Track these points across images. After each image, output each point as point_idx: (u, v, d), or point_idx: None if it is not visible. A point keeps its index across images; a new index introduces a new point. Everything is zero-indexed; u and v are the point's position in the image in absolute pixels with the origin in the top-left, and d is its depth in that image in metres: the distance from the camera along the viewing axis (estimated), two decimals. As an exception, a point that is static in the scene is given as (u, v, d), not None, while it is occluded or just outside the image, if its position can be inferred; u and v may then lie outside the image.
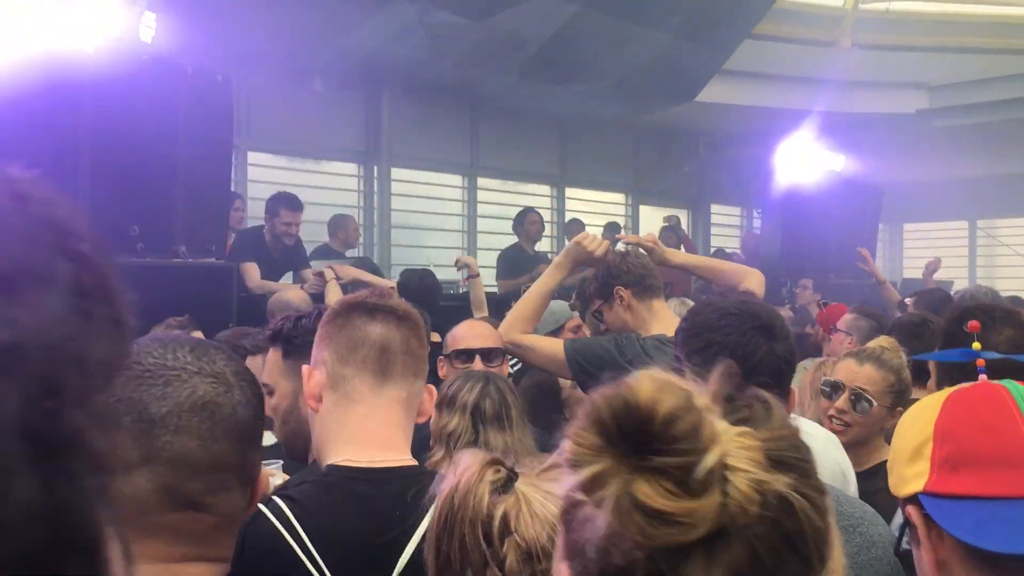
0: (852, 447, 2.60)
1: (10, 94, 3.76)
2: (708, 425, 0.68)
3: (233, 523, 1.18)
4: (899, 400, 2.84)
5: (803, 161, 9.42)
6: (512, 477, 1.15)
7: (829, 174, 9.27)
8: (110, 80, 4.25)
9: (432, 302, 4.98)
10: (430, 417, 1.95)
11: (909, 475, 1.16)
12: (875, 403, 2.78)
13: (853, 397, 2.78)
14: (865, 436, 2.77)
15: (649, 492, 0.66)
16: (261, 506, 1.50)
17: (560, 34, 7.97)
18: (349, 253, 7.22)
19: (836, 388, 2.81)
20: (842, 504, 1.71)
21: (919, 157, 11.64)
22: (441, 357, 3.22)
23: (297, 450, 2.00)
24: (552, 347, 3.06)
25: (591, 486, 0.68)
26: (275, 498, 1.53)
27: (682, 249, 8.19)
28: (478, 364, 3.02)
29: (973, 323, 1.44)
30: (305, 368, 1.70)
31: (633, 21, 8.12)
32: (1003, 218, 13.00)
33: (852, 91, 10.00)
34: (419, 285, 4.94)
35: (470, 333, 3.18)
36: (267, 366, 2.28)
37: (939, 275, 9.46)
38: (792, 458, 0.70)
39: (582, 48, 8.25)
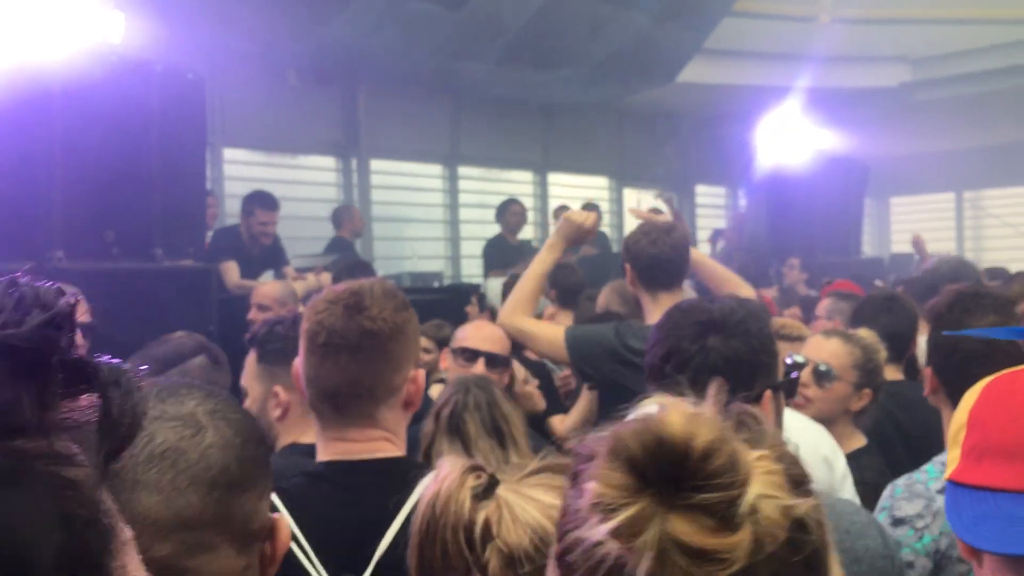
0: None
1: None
2: (744, 458, 0.66)
3: None
4: (867, 380, 2.75)
5: (787, 139, 9.38)
6: (493, 483, 1.14)
7: (813, 151, 9.24)
8: (79, 84, 4.15)
9: None
10: None
11: (948, 461, 1.13)
12: (839, 378, 2.71)
13: (815, 371, 2.72)
14: (828, 414, 2.68)
15: (688, 531, 0.63)
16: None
17: (537, 19, 7.88)
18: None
19: (798, 365, 2.65)
20: (839, 516, 1.64)
21: (904, 130, 11.62)
22: (446, 349, 3.18)
23: None
24: (553, 333, 3.03)
25: (628, 530, 0.64)
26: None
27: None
28: (480, 367, 2.96)
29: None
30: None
31: (610, 3, 8.04)
32: (989, 189, 13.01)
33: (834, 66, 9.95)
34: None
35: (478, 334, 3.13)
36: (245, 369, 2.29)
37: (927, 248, 9.45)
38: (806, 478, 0.69)
39: (560, 32, 8.17)
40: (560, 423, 3.47)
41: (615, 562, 0.65)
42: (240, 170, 8.07)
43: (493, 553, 1.10)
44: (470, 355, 3.03)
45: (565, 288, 4.76)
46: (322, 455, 1.65)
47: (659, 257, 2.96)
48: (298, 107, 8.28)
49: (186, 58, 6.00)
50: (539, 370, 3.78)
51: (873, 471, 2.55)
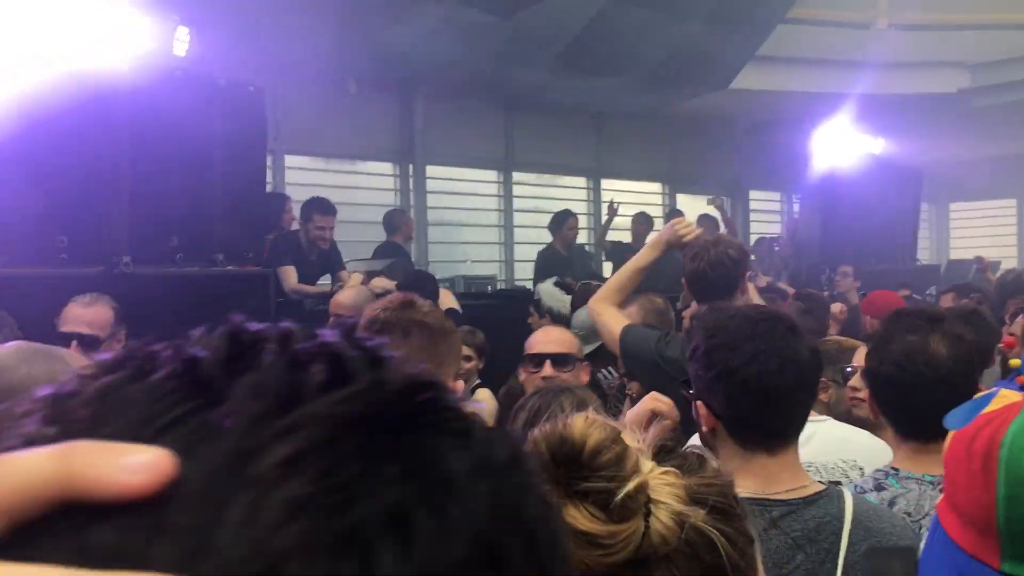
0: (876, 429, 2.59)
1: (48, 113, 3.89)
2: (632, 458, 0.76)
3: None
4: None
5: (841, 145, 9.32)
6: None
7: (867, 157, 9.17)
8: (145, 96, 4.37)
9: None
10: None
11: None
12: None
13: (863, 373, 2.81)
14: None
15: (576, 515, 0.73)
16: None
17: (590, 27, 7.97)
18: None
19: (852, 372, 2.84)
20: (879, 516, 1.71)
21: (962, 136, 11.42)
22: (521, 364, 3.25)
23: None
24: (614, 325, 3.09)
25: None
26: None
27: (722, 230, 8.15)
28: (548, 369, 3.06)
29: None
30: None
31: (663, 11, 8.09)
32: (1052, 195, 12.74)
33: (890, 72, 9.84)
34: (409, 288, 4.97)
35: (544, 338, 3.24)
36: None
37: (986, 255, 9.31)
38: (716, 500, 0.76)
39: (613, 40, 8.24)
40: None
41: None
42: (301, 176, 8.30)
43: None
44: (537, 360, 3.12)
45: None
46: None
47: (698, 272, 3.10)
48: (357, 114, 8.48)
49: (248, 68, 6.23)
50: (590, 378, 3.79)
51: None
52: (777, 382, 1.67)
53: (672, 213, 10.09)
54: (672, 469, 0.77)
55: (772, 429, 1.73)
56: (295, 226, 6.32)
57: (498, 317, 5.67)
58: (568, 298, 5.01)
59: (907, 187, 9.35)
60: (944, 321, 2.14)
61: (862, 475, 2.37)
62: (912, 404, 2.00)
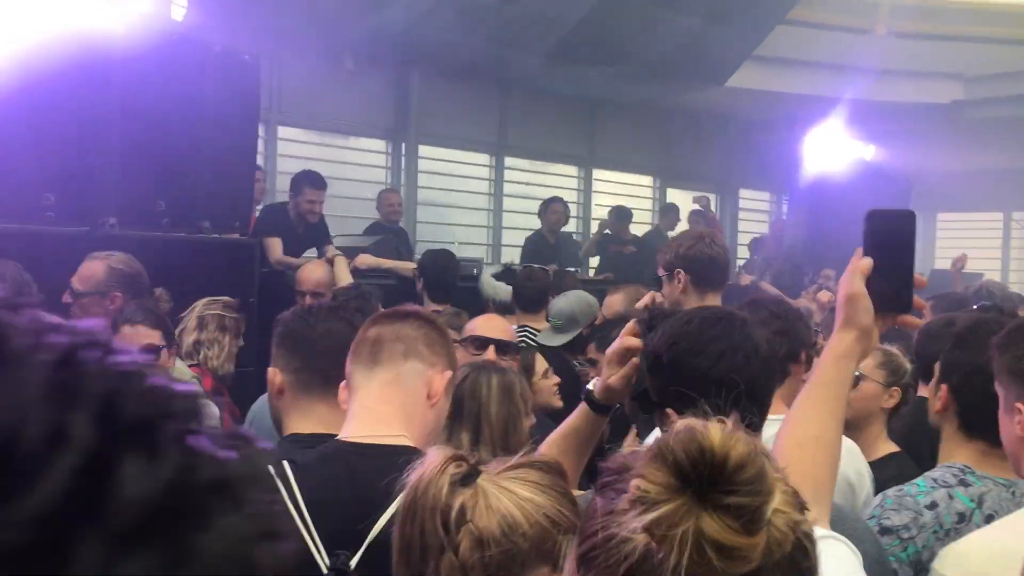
0: (851, 431, 2.64)
1: (41, 72, 3.88)
2: (770, 472, 0.78)
3: None
4: (894, 378, 2.93)
5: (833, 149, 9.38)
6: (474, 472, 1.27)
7: (858, 162, 9.23)
8: (139, 58, 4.35)
9: (449, 281, 5.09)
10: None
11: None
12: (867, 377, 2.87)
13: None
14: (864, 413, 2.84)
15: (718, 529, 0.74)
16: (271, 465, 1.70)
17: (590, 16, 7.98)
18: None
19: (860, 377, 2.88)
20: (843, 521, 1.75)
21: (953, 147, 11.50)
22: (456, 342, 3.30)
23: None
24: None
25: (666, 523, 0.75)
26: (284, 462, 1.72)
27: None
28: (491, 353, 3.13)
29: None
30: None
31: (663, 5, 8.11)
32: (1039, 211, 12.84)
33: (886, 79, 9.89)
34: (434, 266, 5.04)
35: (488, 324, 3.32)
36: None
37: (972, 266, 9.38)
38: (805, 503, 0.80)
39: (612, 30, 8.26)
40: None
41: (640, 555, 0.75)
42: (293, 148, 8.30)
43: (465, 536, 1.21)
44: (481, 343, 3.20)
45: (527, 296, 4.68)
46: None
47: (717, 259, 3.24)
48: (352, 90, 8.48)
49: (246, 38, 6.21)
50: (565, 368, 3.80)
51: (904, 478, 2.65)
52: (746, 375, 1.71)
53: (664, 208, 10.14)
54: (780, 475, 0.79)
55: (746, 421, 1.77)
56: (280, 198, 6.31)
57: (483, 299, 5.72)
58: (508, 288, 5.07)
59: (895, 194, 9.40)
60: None
61: (848, 484, 2.40)
62: (990, 407, 2.01)
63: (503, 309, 5.01)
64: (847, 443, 2.50)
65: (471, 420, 2.40)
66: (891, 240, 1.49)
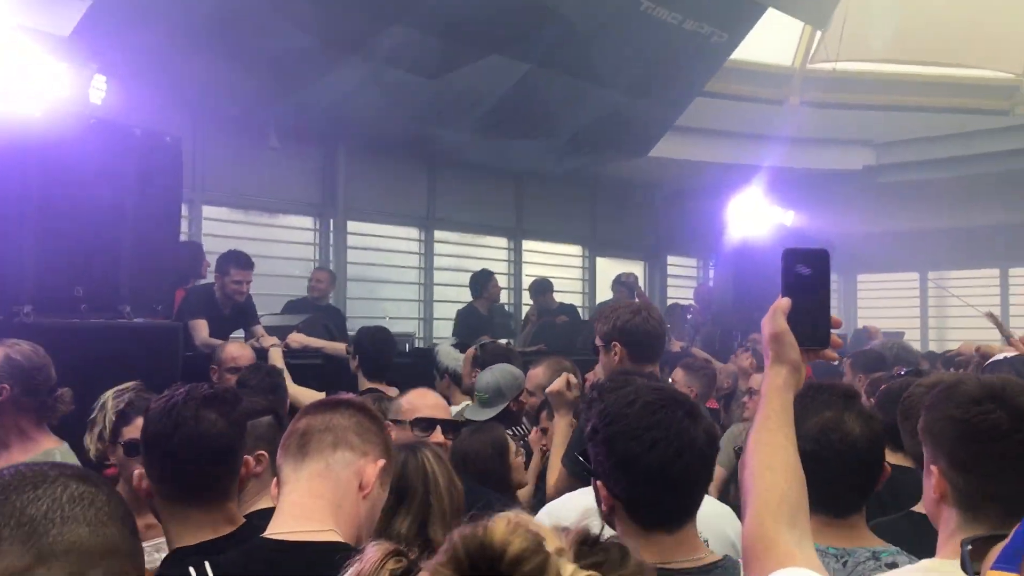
0: None
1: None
2: (553, 567, 0.74)
3: None
4: None
5: (754, 215, 9.60)
6: (413, 568, 1.23)
7: (779, 227, 9.46)
8: (58, 143, 4.28)
9: (385, 360, 5.01)
10: None
11: None
12: None
13: None
14: None
15: None
16: (191, 567, 1.69)
17: (514, 91, 8.12)
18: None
19: None
20: None
21: (869, 210, 11.91)
22: (392, 422, 3.23)
23: None
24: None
25: None
26: (205, 561, 1.69)
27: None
28: (439, 435, 3.07)
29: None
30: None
31: (585, 79, 8.29)
32: (952, 270, 13.30)
33: (801, 147, 10.26)
34: (371, 343, 4.97)
35: (427, 402, 3.21)
36: None
37: (891, 325, 9.65)
38: None
39: (536, 105, 8.40)
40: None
41: None
42: (218, 227, 8.20)
43: None
44: (426, 424, 3.11)
45: (371, 358, 4.80)
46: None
47: (653, 332, 3.29)
48: (277, 167, 8.45)
49: (169, 117, 6.16)
50: (525, 444, 3.80)
51: None
52: (676, 467, 1.71)
53: (593, 276, 10.25)
54: (594, 573, 0.76)
55: (672, 510, 1.77)
56: (212, 276, 6.21)
57: (414, 374, 5.65)
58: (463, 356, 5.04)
59: (816, 258, 9.64)
60: (857, 398, 2.23)
61: (735, 549, 2.40)
62: (826, 479, 2.05)
63: (458, 379, 4.97)
64: (725, 509, 2.51)
65: (419, 502, 2.32)
66: (806, 279, 1.55)
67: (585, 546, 0.79)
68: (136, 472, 2.07)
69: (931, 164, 10.78)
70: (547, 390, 3.34)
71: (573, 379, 3.34)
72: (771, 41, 10.16)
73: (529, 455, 3.74)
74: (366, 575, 1.22)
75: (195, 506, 1.98)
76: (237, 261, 5.93)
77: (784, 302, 1.52)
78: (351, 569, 1.24)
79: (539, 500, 3.37)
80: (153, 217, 4.82)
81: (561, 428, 3.31)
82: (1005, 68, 11.13)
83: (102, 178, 4.48)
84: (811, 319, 1.53)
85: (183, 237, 7.33)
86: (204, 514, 1.97)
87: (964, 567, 1.17)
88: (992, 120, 10.84)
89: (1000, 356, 4.55)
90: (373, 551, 1.25)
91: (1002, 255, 12.57)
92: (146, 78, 6.44)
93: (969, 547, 1.18)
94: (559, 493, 2.97)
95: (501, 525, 0.76)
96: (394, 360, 5.17)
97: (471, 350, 4.94)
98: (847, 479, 2.04)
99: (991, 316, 7.35)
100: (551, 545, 0.77)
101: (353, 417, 1.86)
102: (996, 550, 1.05)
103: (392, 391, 4.48)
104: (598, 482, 1.80)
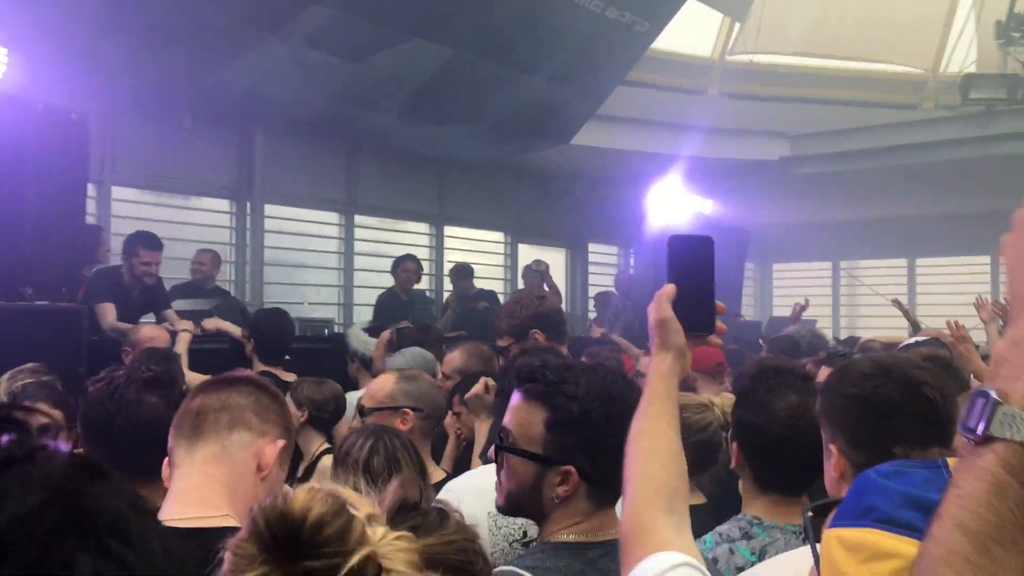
0: None
1: None
2: (356, 529, 0.74)
3: None
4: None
5: (674, 203, 9.75)
6: None
7: (698, 216, 9.61)
8: (-47, 117, 4.12)
9: (282, 343, 4.90)
10: None
11: None
12: None
13: None
14: None
15: None
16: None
17: (437, 76, 8.06)
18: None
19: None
20: None
21: (784, 201, 12.17)
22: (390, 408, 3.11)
23: None
24: None
25: None
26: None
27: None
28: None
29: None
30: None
31: (508, 66, 8.28)
32: (864, 260, 13.69)
33: (719, 137, 10.42)
34: (267, 325, 4.85)
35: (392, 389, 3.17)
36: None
37: (805, 314, 9.88)
38: (455, 559, 0.75)
39: (458, 90, 8.36)
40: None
41: None
42: (129, 209, 7.96)
43: None
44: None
45: (266, 341, 4.74)
46: None
47: (562, 313, 3.46)
48: (193, 148, 8.24)
49: (78, 96, 5.95)
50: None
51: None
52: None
53: (516, 263, 10.24)
54: (406, 533, 0.75)
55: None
56: (115, 260, 6.01)
57: (331, 360, 5.56)
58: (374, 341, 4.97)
59: (734, 247, 9.83)
60: (812, 381, 2.29)
61: None
62: (787, 460, 2.09)
63: (367, 363, 4.88)
64: None
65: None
66: (692, 265, 1.57)
67: (402, 512, 0.79)
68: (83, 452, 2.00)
69: (844, 156, 11.05)
70: (466, 396, 3.31)
71: (491, 382, 3.32)
72: (691, 32, 10.30)
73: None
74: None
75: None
76: (145, 242, 5.77)
77: (669, 289, 1.54)
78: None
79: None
80: (57, 196, 4.68)
81: (483, 432, 3.30)
82: (915, 64, 11.49)
83: (2, 154, 4.32)
84: (696, 305, 1.54)
85: (91, 219, 7.11)
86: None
87: (806, 533, 1.19)
88: (902, 114, 11.18)
89: (911, 340, 4.69)
90: None
91: (909, 246, 12.98)
92: (54, 54, 6.22)
93: (810, 513, 1.20)
94: None
95: (302, 494, 0.76)
96: (291, 343, 5.05)
97: (385, 333, 4.86)
98: (811, 461, 2.08)
99: (898, 303, 7.61)
100: (362, 511, 0.76)
101: (252, 395, 1.78)
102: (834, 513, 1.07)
103: (289, 376, 4.39)
104: (567, 467, 1.72)
